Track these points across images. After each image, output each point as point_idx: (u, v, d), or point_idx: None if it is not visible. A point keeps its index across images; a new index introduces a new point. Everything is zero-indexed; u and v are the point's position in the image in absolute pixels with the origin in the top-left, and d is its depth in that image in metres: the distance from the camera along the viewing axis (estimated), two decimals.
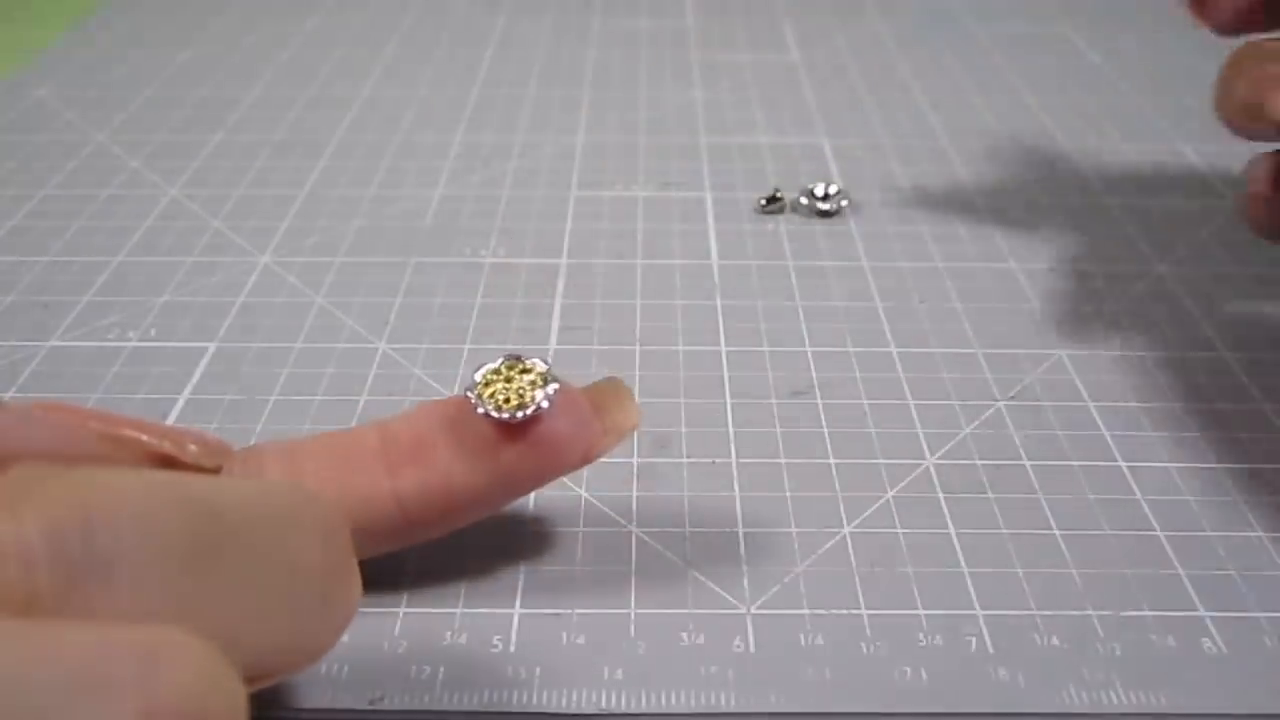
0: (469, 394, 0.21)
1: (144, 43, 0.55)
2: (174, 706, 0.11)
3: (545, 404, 0.21)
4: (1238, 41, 0.28)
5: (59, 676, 0.10)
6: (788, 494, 0.26)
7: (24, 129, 0.45)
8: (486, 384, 0.21)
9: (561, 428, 0.21)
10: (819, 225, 0.38)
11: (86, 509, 0.11)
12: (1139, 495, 0.26)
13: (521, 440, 0.21)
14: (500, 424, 0.21)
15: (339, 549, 0.14)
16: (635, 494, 0.26)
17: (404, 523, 0.21)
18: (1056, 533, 0.25)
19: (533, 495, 0.26)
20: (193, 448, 0.19)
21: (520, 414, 0.21)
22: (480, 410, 0.21)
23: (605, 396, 0.22)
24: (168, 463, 0.18)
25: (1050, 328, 0.33)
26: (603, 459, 0.23)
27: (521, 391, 0.21)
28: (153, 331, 0.32)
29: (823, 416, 0.29)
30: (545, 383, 0.21)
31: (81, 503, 0.11)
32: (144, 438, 0.18)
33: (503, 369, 0.22)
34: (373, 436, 0.22)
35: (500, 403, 0.21)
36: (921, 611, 0.23)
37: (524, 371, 0.21)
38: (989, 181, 0.41)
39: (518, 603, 0.23)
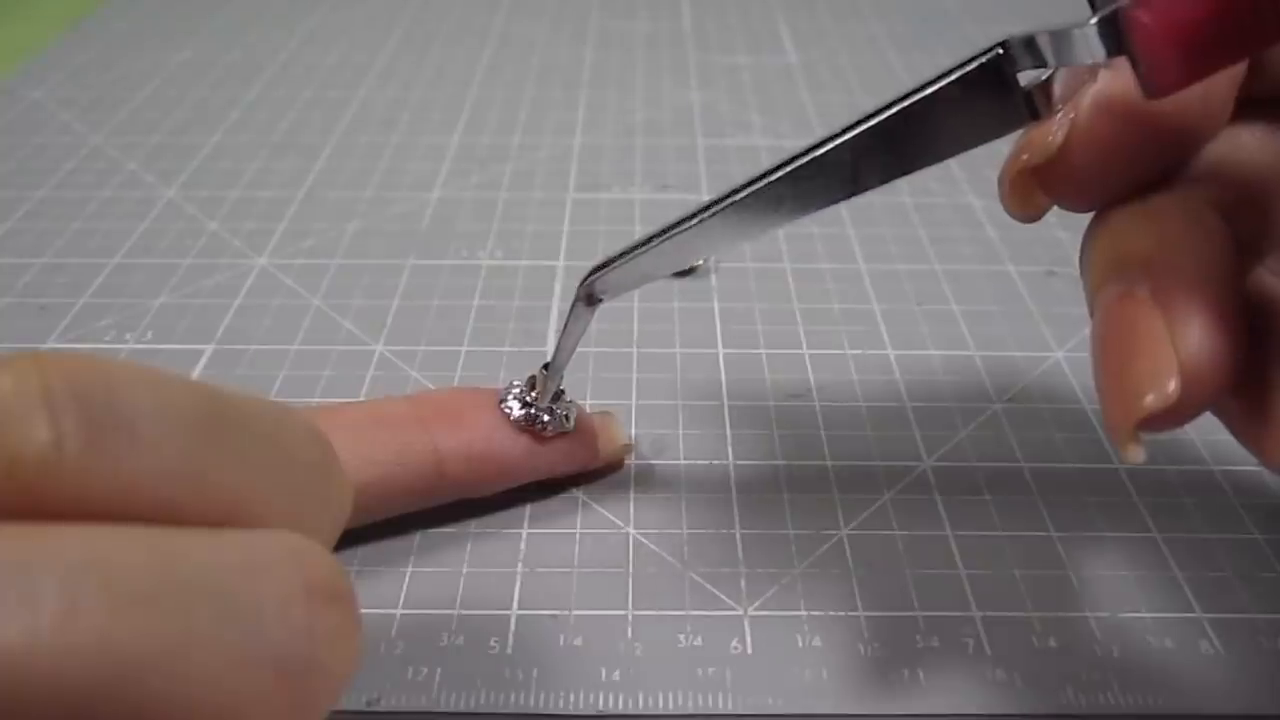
0: (512, 411, 0.25)
1: (141, 44, 0.55)
2: (326, 582, 0.12)
3: (571, 425, 0.26)
4: None
5: (237, 561, 0.12)
6: (785, 496, 0.26)
7: (21, 131, 0.45)
8: (525, 404, 0.25)
9: (579, 441, 0.26)
10: (817, 228, 0.38)
11: (106, 373, 0.12)
12: (1136, 497, 0.27)
13: (550, 442, 0.25)
14: (539, 434, 0.25)
15: (328, 450, 0.14)
16: (632, 496, 0.26)
17: (437, 478, 0.24)
18: (1053, 534, 0.25)
19: (530, 498, 0.26)
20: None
21: (552, 429, 0.25)
22: (530, 424, 0.25)
23: (600, 421, 0.27)
24: None
25: (1047, 330, 0.33)
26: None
27: (560, 416, 0.25)
28: (150, 334, 0.32)
29: (820, 419, 0.29)
30: (569, 410, 0.25)
31: (100, 367, 0.12)
32: None
33: (532, 398, 0.25)
34: (401, 403, 0.25)
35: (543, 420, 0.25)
36: (919, 613, 0.23)
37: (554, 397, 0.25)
38: (986, 183, 0.41)
39: (515, 604, 0.23)
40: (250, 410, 0.13)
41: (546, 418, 0.25)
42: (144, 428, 0.11)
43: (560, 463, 0.26)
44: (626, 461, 0.27)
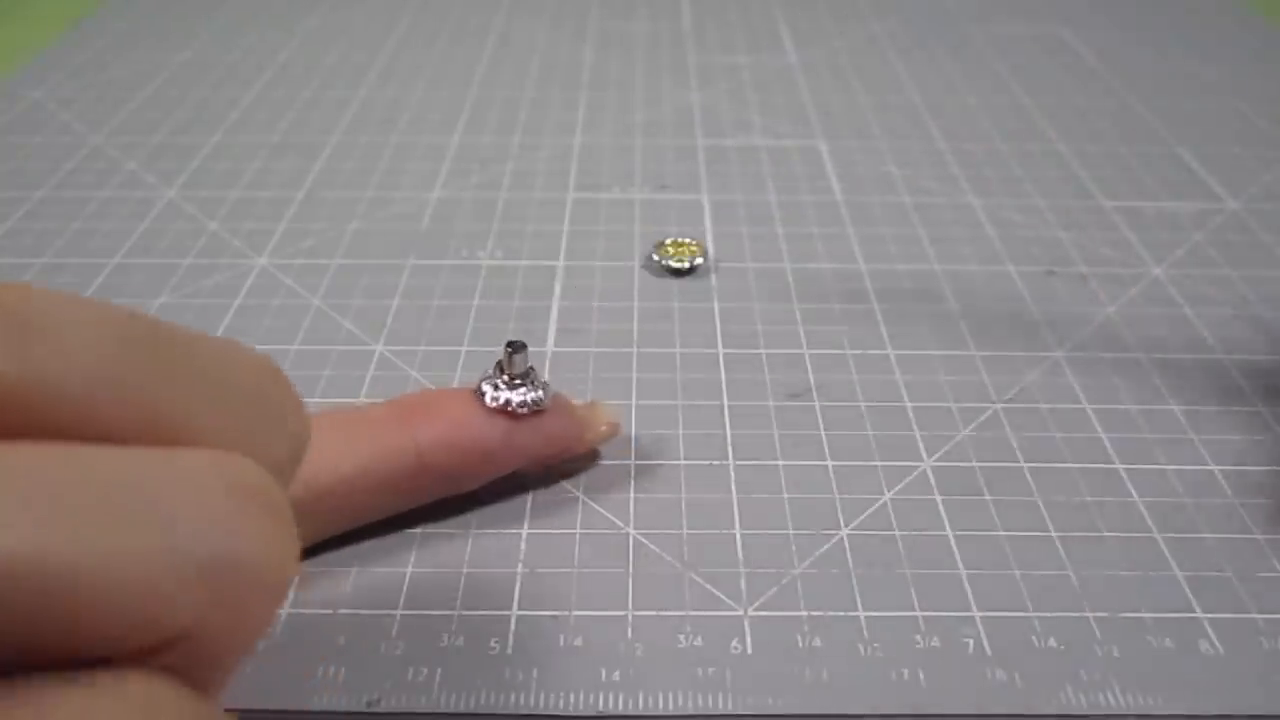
0: (485, 395, 0.25)
1: (141, 44, 0.55)
2: (251, 484, 0.12)
3: (545, 403, 0.25)
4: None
5: (159, 469, 0.12)
6: (785, 496, 0.26)
7: (20, 130, 0.45)
8: (496, 386, 0.25)
9: (561, 422, 0.26)
10: (817, 228, 0.38)
11: (24, 290, 0.12)
12: (1136, 497, 0.27)
13: (527, 423, 0.25)
14: (513, 415, 0.25)
15: (278, 378, 0.14)
16: (633, 496, 0.26)
17: (419, 470, 0.24)
18: (1054, 534, 0.25)
19: (530, 498, 0.26)
20: None
21: (525, 409, 0.25)
22: (499, 406, 0.25)
23: (585, 411, 0.27)
24: None
25: (1047, 330, 0.33)
26: (600, 461, 0.27)
27: (531, 397, 0.25)
28: None
29: (820, 419, 0.29)
30: (543, 388, 0.25)
31: (18, 286, 0.12)
32: None
33: (502, 381, 0.25)
34: (379, 406, 0.25)
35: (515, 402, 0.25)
36: (919, 613, 0.23)
37: (523, 377, 0.25)
38: (985, 184, 0.41)
39: (515, 605, 0.23)
40: (186, 335, 0.13)
41: (517, 398, 0.25)
42: (67, 338, 0.11)
43: (544, 444, 0.26)
44: (626, 461, 0.27)
